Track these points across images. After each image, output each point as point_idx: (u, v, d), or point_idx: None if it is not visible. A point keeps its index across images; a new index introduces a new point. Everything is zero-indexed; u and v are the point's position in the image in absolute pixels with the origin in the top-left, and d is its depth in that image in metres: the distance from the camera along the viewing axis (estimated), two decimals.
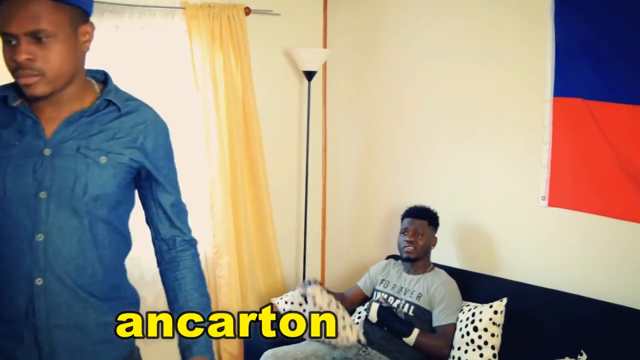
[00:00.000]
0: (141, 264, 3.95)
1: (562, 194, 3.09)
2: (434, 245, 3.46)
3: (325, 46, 4.50)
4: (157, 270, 3.90)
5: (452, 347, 3.13)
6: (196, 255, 1.90)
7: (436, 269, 3.42)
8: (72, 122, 1.63)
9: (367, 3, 4.22)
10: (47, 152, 1.59)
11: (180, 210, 1.88)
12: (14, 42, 1.49)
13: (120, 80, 3.69)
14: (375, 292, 3.53)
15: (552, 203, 3.13)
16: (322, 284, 4.64)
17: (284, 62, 4.40)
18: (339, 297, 3.62)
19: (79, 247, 1.63)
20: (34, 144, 1.59)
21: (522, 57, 3.22)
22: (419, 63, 3.85)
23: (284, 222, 4.47)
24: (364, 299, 3.66)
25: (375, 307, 3.30)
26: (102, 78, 1.80)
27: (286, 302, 3.78)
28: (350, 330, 3.16)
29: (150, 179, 1.80)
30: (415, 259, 3.39)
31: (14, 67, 1.51)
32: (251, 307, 4.17)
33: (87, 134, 1.64)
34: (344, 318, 3.19)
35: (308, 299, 3.26)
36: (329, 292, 3.51)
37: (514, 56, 3.27)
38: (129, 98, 1.79)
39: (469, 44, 3.52)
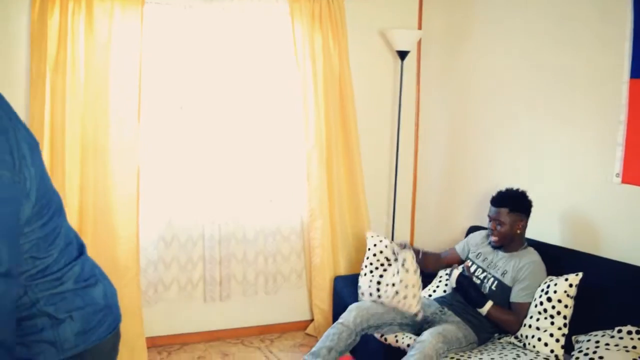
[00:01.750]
0: (244, 223, 4.37)
1: (635, 171, 3.17)
2: (520, 229, 3.44)
3: (420, 27, 4.70)
4: (257, 228, 4.35)
5: (522, 324, 3.28)
6: None
7: (529, 248, 3.48)
8: None
9: None
10: None
11: None
12: None
13: (228, 58, 4.13)
14: (467, 260, 3.69)
15: (625, 180, 3.22)
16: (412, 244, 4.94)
17: (378, 42, 4.64)
18: (435, 257, 3.90)
19: None
20: None
21: (601, 40, 3.31)
22: (508, 44, 3.98)
23: (375, 192, 4.76)
24: (459, 262, 3.80)
25: (455, 273, 3.49)
26: None
27: (380, 241, 4.02)
28: (417, 302, 3.42)
29: None
30: (500, 246, 3.49)
31: None
32: (341, 267, 4.50)
33: None
34: (419, 289, 3.45)
35: (399, 258, 3.51)
36: (425, 253, 3.83)
37: (595, 39, 3.35)
38: None
39: (555, 26, 3.61)
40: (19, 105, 3.74)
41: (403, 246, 3.63)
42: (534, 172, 3.80)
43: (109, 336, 1.71)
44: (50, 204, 1.55)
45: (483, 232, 3.76)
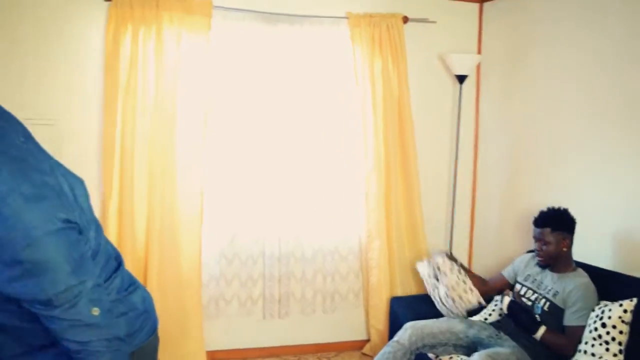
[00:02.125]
0: (303, 242, 4.48)
1: None
2: (566, 247, 3.44)
3: (479, 52, 4.74)
4: (316, 247, 4.43)
5: (577, 348, 3.23)
6: None
7: (579, 270, 3.45)
8: None
9: (521, 10, 4.40)
10: None
11: None
12: None
13: (292, 78, 4.26)
14: (516, 284, 3.69)
15: None
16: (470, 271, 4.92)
17: (437, 65, 4.71)
18: (479, 280, 3.90)
19: None
20: None
21: None
22: (568, 66, 3.97)
23: (433, 214, 4.79)
24: (507, 287, 3.83)
25: (507, 300, 3.50)
26: None
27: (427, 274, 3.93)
28: (471, 292, 3.46)
29: None
30: (546, 265, 3.49)
31: None
32: (398, 288, 4.54)
33: None
34: (464, 282, 3.49)
35: (434, 267, 3.63)
36: (467, 271, 3.86)
37: None
38: None
39: (618, 47, 3.58)
40: (93, 126, 3.99)
41: (437, 254, 3.79)
42: (592, 194, 3.76)
43: (150, 338, 1.87)
44: (91, 226, 1.72)
45: (528, 255, 3.77)
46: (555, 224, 3.43)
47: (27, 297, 1.46)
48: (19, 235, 1.40)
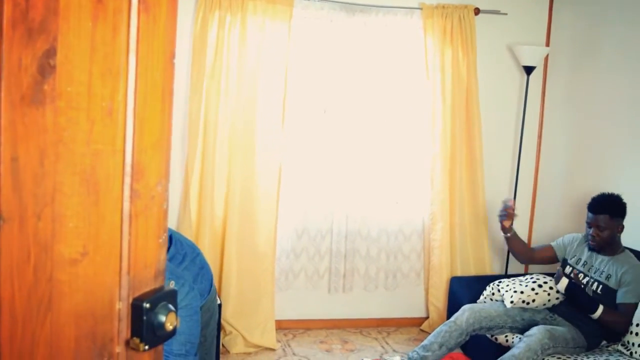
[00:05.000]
0: (369, 222, 4.71)
1: None
2: (620, 232, 3.61)
3: (547, 44, 4.85)
4: (381, 227, 4.64)
5: (630, 324, 3.41)
6: None
7: (626, 251, 3.62)
8: None
9: (591, 4, 4.49)
10: None
11: None
12: None
13: (366, 67, 4.47)
14: (566, 266, 3.83)
15: None
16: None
17: (506, 56, 4.83)
18: (523, 244, 4.23)
19: None
20: None
21: None
22: (638, 62, 4.06)
23: (495, 200, 4.87)
24: (552, 259, 4.00)
25: (565, 282, 3.67)
26: None
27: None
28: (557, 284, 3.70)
29: None
30: (600, 249, 3.64)
31: None
32: (458, 269, 4.75)
33: None
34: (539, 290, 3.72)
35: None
36: (516, 234, 4.13)
37: None
38: None
39: None
40: (179, 106, 4.26)
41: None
42: None
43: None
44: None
45: (579, 235, 3.89)
46: (614, 210, 3.57)
47: None
48: None
